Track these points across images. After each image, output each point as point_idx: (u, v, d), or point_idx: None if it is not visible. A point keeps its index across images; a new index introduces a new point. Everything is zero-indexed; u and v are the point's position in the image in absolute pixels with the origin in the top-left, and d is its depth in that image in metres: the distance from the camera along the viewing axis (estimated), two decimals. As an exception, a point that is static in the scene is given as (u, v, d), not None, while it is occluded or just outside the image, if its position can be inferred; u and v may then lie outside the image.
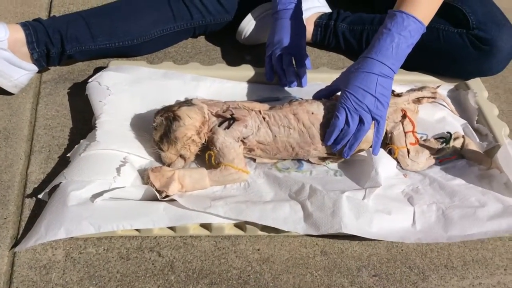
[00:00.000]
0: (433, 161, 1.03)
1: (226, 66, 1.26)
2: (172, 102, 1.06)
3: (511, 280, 0.89)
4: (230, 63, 1.29)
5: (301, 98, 1.11)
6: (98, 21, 1.21)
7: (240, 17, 1.34)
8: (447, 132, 1.08)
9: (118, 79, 1.14)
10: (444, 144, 1.05)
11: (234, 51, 1.36)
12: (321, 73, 1.24)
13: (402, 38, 0.97)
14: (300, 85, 1.20)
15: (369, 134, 0.99)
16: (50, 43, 1.16)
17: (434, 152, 1.04)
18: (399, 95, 1.10)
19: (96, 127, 1.01)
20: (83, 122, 1.10)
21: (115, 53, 1.25)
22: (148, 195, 0.91)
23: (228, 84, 1.21)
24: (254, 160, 1.02)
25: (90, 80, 1.13)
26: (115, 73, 1.15)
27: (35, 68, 1.17)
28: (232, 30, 1.36)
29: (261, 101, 1.09)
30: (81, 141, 1.00)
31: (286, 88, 1.21)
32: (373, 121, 0.97)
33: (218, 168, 0.96)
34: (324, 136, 0.99)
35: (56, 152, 1.03)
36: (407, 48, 0.98)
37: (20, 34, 1.13)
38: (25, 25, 1.14)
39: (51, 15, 1.40)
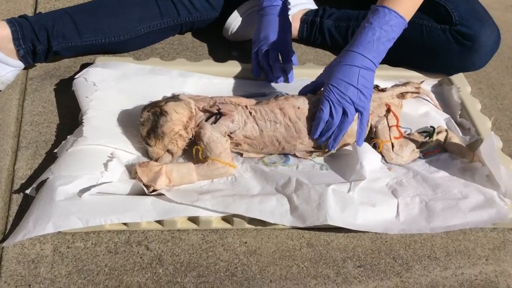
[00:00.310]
0: (417, 154, 1.05)
1: (213, 62, 1.26)
2: (159, 97, 1.06)
3: (493, 270, 0.91)
4: (217, 59, 1.30)
5: (287, 94, 1.12)
6: (84, 17, 1.21)
7: (227, 13, 1.35)
8: (431, 126, 1.10)
9: (104, 75, 1.14)
10: (428, 138, 1.07)
11: (221, 48, 1.37)
12: (307, 69, 1.25)
13: (383, 32, 0.99)
14: (286, 80, 1.22)
15: (354, 128, 1.00)
16: (36, 40, 1.16)
17: (418, 145, 1.05)
18: (383, 90, 1.12)
19: (83, 122, 1.01)
20: (70, 118, 1.10)
21: (101, 49, 1.25)
22: (135, 189, 0.92)
23: (215, 80, 1.22)
24: (241, 154, 1.03)
25: (76, 76, 1.13)
26: (101, 69, 1.15)
27: (21, 65, 1.17)
28: (219, 27, 1.37)
29: (248, 96, 1.09)
30: (68, 136, 1.01)
31: (273, 84, 1.22)
32: (357, 113, 0.99)
33: (205, 163, 0.97)
34: (310, 130, 1.00)
35: (43, 148, 1.03)
36: (388, 42, 1.00)
37: (5, 31, 1.12)
38: (10, 22, 1.14)
39: (37, 11, 1.40)
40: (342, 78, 0.98)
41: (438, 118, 1.15)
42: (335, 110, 0.98)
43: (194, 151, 0.99)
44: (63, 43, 1.19)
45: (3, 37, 1.12)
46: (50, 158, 1.00)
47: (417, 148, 1.05)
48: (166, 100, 0.99)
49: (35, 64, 1.23)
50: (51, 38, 1.17)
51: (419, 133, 1.09)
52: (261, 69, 1.22)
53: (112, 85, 1.12)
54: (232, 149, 1.02)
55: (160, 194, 0.91)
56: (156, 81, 1.17)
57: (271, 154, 1.04)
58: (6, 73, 1.13)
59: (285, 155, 1.04)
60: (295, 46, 1.32)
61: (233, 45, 1.37)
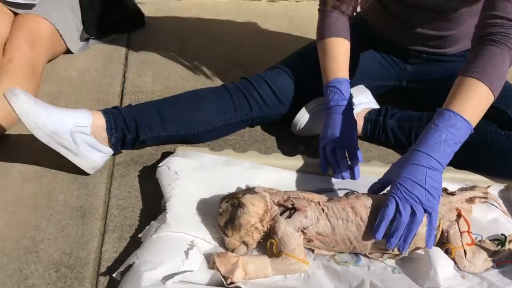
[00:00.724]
0: (490, 263, 1.04)
1: (282, 156, 1.33)
2: (233, 188, 1.13)
3: None
4: (284, 152, 1.36)
5: (357, 192, 1.16)
6: (169, 110, 1.32)
7: (295, 109, 1.43)
8: (502, 234, 1.10)
9: (185, 165, 1.22)
10: (500, 246, 1.06)
11: (289, 141, 1.44)
12: (372, 167, 1.29)
13: (449, 135, 1.02)
14: (353, 177, 1.24)
15: (423, 230, 1.01)
16: (127, 130, 1.27)
17: (490, 254, 1.05)
18: (452, 193, 1.13)
19: (166, 209, 1.08)
20: (152, 204, 1.17)
21: (181, 139, 1.35)
22: (214, 280, 0.95)
23: (285, 173, 1.28)
24: (313, 251, 1.06)
25: (160, 164, 1.22)
26: (182, 159, 1.23)
27: (111, 152, 1.27)
28: (287, 121, 1.44)
29: (317, 191, 1.13)
30: (152, 222, 1.07)
31: (340, 180, 1.25)
32: (425, 214, 1.00)
33: (280, 257, 1.00)
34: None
35: (127, 232, 1.10)
36: (454, 145, 1.03)
37: (101, 121, 1.24)
38: (106, 113, 1.26)
39: (123, 101, 1.53)
40: (409, 177, 1.01)
41: (508, 226, 1.15)
42: (402, 207, 0.99)
43: (269, 244, 1.02)
44: (149, 133, 1.30)
45: (98, 126, 1.23)
46: (134, 242, 1.05)
47: (489, 256, 1.05)
48: (243, 192, 1.05)
49: (122, 151, 1.33)
50: (140, 129, 1.28)
51: (490, 240, 1.09)
52: (329, 165, 1.27)
53: (192, 175, 1.20)
54: (304, 245, 1.04)
55: (237, 287, 0.94)
56: (231, 172, 1.24)
57: (342, 252, 1.06)
58: (97, 158, 1.23)
59: (356, 254, 1.06)
60: (358, 143, 1.37)
61: (300, 139, 1.44)
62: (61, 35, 1.58)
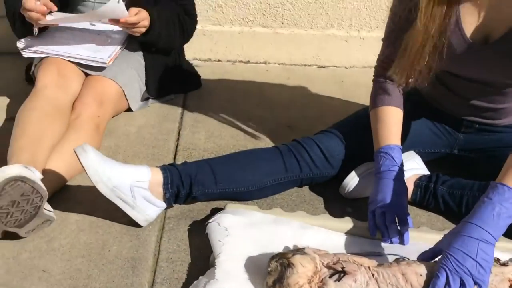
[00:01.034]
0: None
1: (330, 217, 1.32)
2: (281, 247, 1.13)
3: None
4: (332, 214, 1.36)
5: (407, 258, 1.14)
6: (221, 169, 1.36)
7: (344, 172, 1.44)
8: (559, 308, 1.05)
9: (234, 222, 1.24)
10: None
11: (336, 203, 1.44)
12: (422, 233, 1.27)
13: (503, 209, 1.03)
14: (402, 242, 1.23)
15: None
16: (181, 185, 1.31)
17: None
18: (505, 264, 1.10)
19: (215, 265, 1.09)
20: (200, 258, 1.19)
21: (231, 197, 1.38)
22: None
23: (333, 235, 1.27)
24: (361, 316, 1.04)
25: (210, 220, 1.24)
26: (232, 216, 1.26)
27: (164, 206, 1.31)
28: (335, 182, 1.45)
29: (365, 255, 1.12)
30: (200, 277, 1.08)
31: (388, 244, 1.24)
32: (475, 286, 0.98)
33: (327, 321, 0.99)
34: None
35: (175, 285, 1.11)
36: (508, 218, 1.03)
37: (159, 177, 1.29)
38: (163, 169, 1.31)
39: (176, 157, 1.59)
40: (460, 248, 1.01)
41: None
42: (452, 279, 0.99)
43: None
44: (201, 189, 1.33)
45: (156, 182, 1.28)
46: (182, 297, 1.07)
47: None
48: (293, 252, 1.06)
49: (173, 205, 1.37)
50: (193, 185, 1.32)
51: (547, 314, 1.04)
52: (377, 229, 1.26)
53: (241, 232, 1.21)
54: (353, 309, 1.03)
55: None
56: (279, 231, 1.24)
57: (391, 319, 1.04)
58: (151, 212, 1.28)
59: (405, 322, 1.03)
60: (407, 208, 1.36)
61: (347, 202, 1.44)
62: (125, 96, 1.69)
